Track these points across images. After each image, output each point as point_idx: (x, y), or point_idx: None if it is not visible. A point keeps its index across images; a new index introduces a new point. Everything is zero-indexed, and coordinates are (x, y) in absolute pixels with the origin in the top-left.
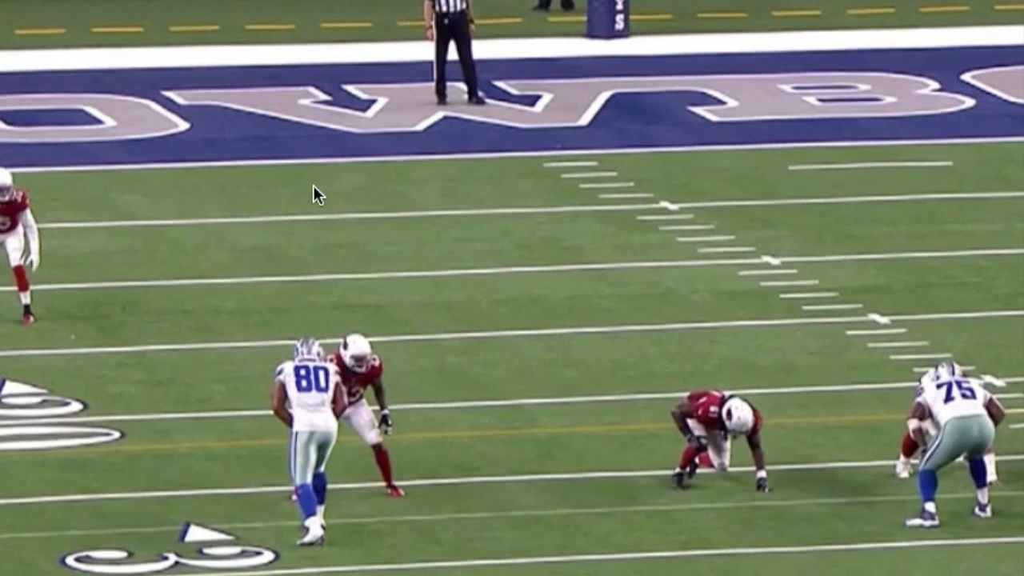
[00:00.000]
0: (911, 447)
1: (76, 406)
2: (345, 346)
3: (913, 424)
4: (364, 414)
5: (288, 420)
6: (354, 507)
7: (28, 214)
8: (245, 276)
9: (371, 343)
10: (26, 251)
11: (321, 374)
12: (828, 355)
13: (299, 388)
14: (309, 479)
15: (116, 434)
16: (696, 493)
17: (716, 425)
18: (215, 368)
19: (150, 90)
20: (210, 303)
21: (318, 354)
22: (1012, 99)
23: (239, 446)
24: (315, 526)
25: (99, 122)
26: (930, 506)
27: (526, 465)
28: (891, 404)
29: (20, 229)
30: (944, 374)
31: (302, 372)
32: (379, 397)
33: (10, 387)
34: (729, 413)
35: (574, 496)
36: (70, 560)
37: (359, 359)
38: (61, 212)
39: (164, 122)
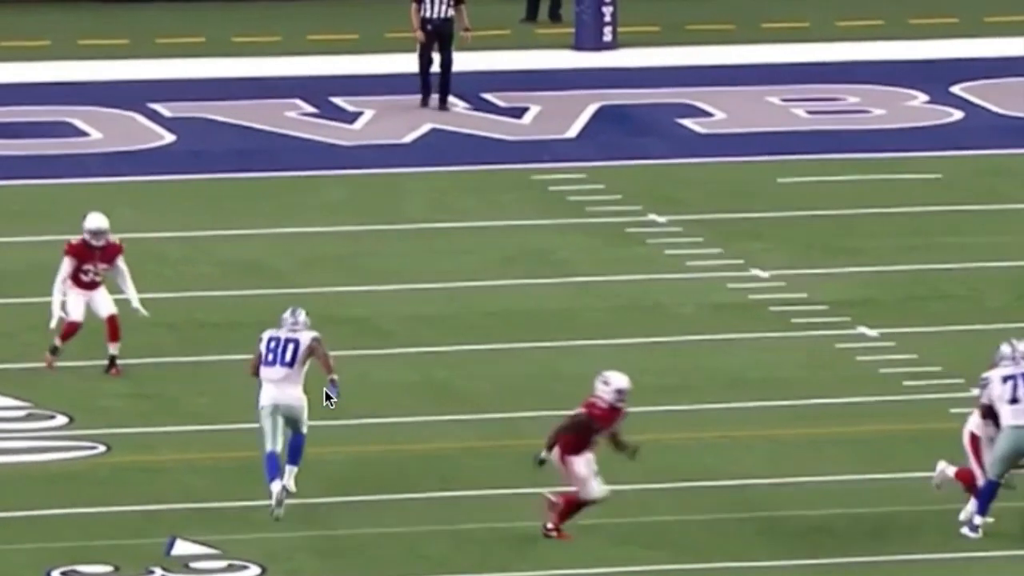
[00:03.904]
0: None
1: (61, 420)
2: (606, 382)
3: (975, 425)
4: (586, 460)
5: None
6: (338, 520)
7: (122, 260)
8: (231, 289)
9: (356, 356)
10: (128, 300)
11: (290, 347)
12: (817, 368)
13: (264, 361)
14: (276, 447)
15: (101, 448)
16: (685, 506)
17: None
18: (201, 381)
19: (136, 102)
20: (195, 316)
21: (304, 323)
22: (1002, 111)
23: (225, 459)
24: (276, 487)
25: (85, 134)
26: (979, 519)
27: (514, 478)
28: (880, 417)
29: (103, 285)
30: (1007, 355)
31: (271, 344)
32: (618, 444)
33: None
34: None
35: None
36: (55, 574)
37: (622, 392)
38: (46, 225)
39: (150, 134)
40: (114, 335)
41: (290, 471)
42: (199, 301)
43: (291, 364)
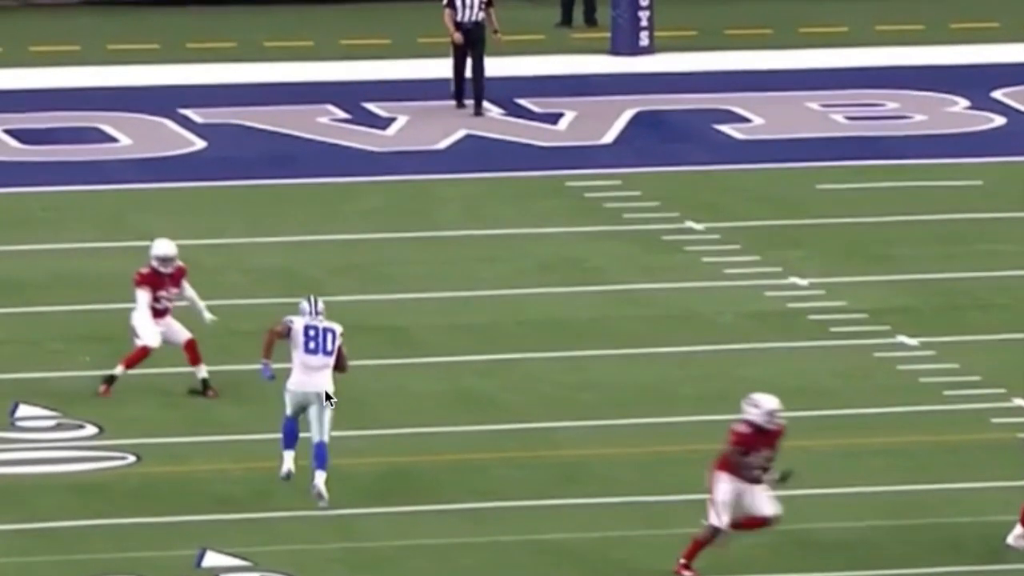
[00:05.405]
0: None
1: (91, 429)
2: (756, 405)
3: None
4: (759, 491)
5: (269, 344)
6: (371, 531)
7: (186, 280)
8: (263, 297)
9: (389, 365)
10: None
11: (329, 336)
12: (856, 377)
13: (306, 350)
14: (296, 419)
15: (132, 458)
16: None
17: None
18: (232, 390)
19: (166, 108)
20: (227, 325)
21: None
22: None
23: (257, 469)
24: (288, 461)
25: (115, 140)
26: None
27: (548, 489)
28: (920, 428)
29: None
30: None
31: (311, 333)
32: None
33: (24, 410)
34: None
35: (596, 521)
36: None
37: (773, 412)
38: (76, 232)
39: (180, 140)
40: (196, 359)
41: (320, 476)
42: (231, 309)
43: (331, 353)
